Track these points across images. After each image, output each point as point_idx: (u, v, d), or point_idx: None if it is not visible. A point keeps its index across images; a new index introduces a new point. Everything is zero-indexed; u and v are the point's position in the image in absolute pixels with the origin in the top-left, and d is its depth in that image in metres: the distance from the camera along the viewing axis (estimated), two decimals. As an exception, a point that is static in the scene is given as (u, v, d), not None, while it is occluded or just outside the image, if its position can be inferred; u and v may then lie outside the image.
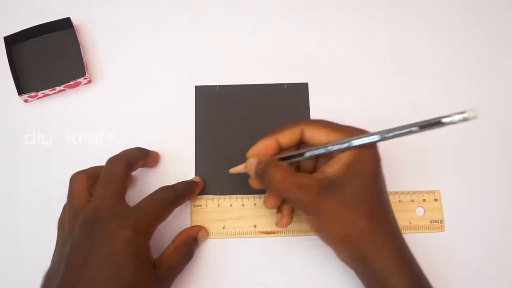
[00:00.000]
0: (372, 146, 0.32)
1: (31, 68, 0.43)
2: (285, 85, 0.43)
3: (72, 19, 0.43)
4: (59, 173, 0.37)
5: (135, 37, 0.45)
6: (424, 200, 0.40)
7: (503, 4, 0.46)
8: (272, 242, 0.39)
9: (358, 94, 0.43)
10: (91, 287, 0.29)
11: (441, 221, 0.39)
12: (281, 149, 0.36)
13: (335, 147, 0.32)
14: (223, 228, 0.39)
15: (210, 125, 0.42)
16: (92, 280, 0.29)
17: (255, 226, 0.39)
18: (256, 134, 0.41)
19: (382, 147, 0.33)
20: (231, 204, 0.40)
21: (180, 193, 0.36)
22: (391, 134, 0.31)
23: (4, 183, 0.40)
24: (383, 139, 0.31)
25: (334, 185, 0.32)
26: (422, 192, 0.40)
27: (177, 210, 0.36)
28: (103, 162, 0.35)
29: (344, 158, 0.32)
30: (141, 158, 0.37)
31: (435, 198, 0.40)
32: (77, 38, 0.43)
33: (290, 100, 0.43)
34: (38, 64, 0.43)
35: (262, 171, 0.34)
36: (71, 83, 0.42)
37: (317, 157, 0.35)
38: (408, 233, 0.39)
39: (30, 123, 0.42)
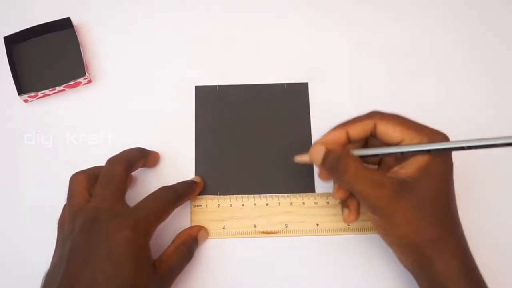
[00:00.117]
0: (448, 154, 0.32)
1: (31, 68, 0.43)
2: (285, 85, 0.43)
3: (72, 19, 0.43)
4: (59, 173, 0.37)
5: (135, 37, 0.45)
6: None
7: (507, 2, 0.46)
8: (272, 242, 0.39)
9: (358, 94, 0.43)
10: (91, 287, 0.29)
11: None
12: (349, 142, 0.34)
13: (412, 150, 0.31)
14: (223, 228, 0.39)
15: (210, 125, 0.42)
16: (92, 280, 0.29)
17: (255, 226, 0.39)
18: (256, 134, 0.42)
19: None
20: (231, 204, 0.40)
21: (180, 193, 0.36)
22: (473, 144, 0.29)
23: (4, 183, 0.40)
24: (462, 148, 0.30)
25: (408, 187, 0.31)
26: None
27: (177, 210, 0.36)
28: (103, 162, 0.35)
29: (420, 160, 0.31)
30: (141, 158, 0.37)
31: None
32: (77, 38, 0.43)
33: (290, 100, 0.43)
34: (38, 64, 0.43)
35: (335, 162, 0.32)
36: (71, 83, 0.42)
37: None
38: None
39: (30, 123, 0.42)
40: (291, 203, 0.40)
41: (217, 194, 0.40)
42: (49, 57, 0.43)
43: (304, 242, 0.39)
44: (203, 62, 0.44)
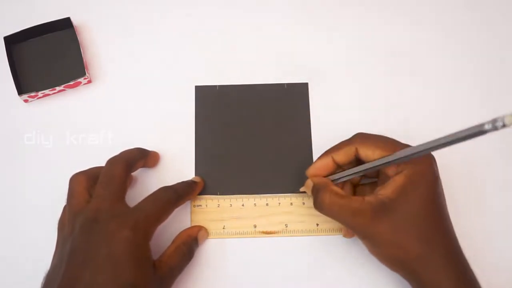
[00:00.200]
0: (428, 167, 0.32)
1: (31, 68, 0.43)
2: (285, 85, 0.43)
3: (72, 19, 0.43)
4: (59, 173, 0.37)
5: (135, 37, 0.45)
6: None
7: (506, 4, 0.46)
8: (272, 242, 0.39)
9: (358, 94, 0.43)
10: (91, 287, 0.29)
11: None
12: (338, 166, 0.36)
13: (372, 166, 0.32)
14: (223, 228, 0.39)
15: (210, 125, 0.42)
16: (92, 281, 0.29)
17: (255, 226, 0.39)
18: (256, 134, 0.42)
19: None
20: (231, 204, 0.40)
21: (180, 193, 0.36)
22: (434, 145, 0.29)
23: (4, 183, 0.40)
24: (426, 150, 0.30)
25: (387, 208, 0.31)
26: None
27: (177, 210, 0.36)
28: (103, 162, 0.35)
29: (398, 180, 0.32)
30: (141, 158, 0.37)
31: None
32: (77, 38, 0.43)
33: (290, 100, 0.43)
34: (38, 64, 0.43)
35: (315, 196, 0.34)
36: (71, 83, 0.42)
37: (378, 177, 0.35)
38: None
39: (30, 123, 0.42)
40: (291, 203, 0.40)
41: (217, 194, 0.40)
42: (49, 57, 0.43)
43: (304, 242, 0.39)
44: (203, 62, 0.44)
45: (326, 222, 0.39)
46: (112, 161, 0.35)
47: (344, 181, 0.36)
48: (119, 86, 0.43)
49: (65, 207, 0.35)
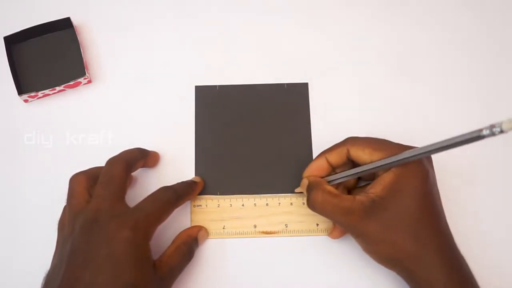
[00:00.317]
0: (417, 164, 0.32)
1: (31, 68, 0.43)
2: (285, 85, 0.43)
3: (72, 19, 0.43)
4: (59, 173, 0.37)
5: (135, 37, 0.45)
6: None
7: (506, 5, 0.46)
8: (272, 242, 0.39)
9: (358, 94, 0.43)
10: (91, 287, 0.29)
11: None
12: (333, 168, 0.37)
13: (366, 168, 0.33)
14: (223, 228, 0.39)
15: (210, 125, 0.42)
16: (93, 281, 0.29)
17: (255, 226, 0.39)
18: (256, 134, 0.42)
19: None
20: (231, 204, 0.40)
21: (180, 193, 0.36)
22: (432, 149, 0.30)
23: (4, 183, 0.40)
24: (423, 154, 0.30)
25: (376, 206, 0.32)
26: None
27: (177, 210, 0.36)
28: (103, 162, 0.35)
29: (386, 178, 0.32)
30: (141, 158, 0.37)
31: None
32: (77, 38, 0.43)
33: (290, 100, 0.43)
34: (38, 64, 0.43)
35: (308, 195, 0.35)
36: (71, 83, 0.42)
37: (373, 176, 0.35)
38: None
39: (30, 123, 0.42)
40: (291, 203, 0.40)
41: (217, 194, 0.40)
42: (49, 57, 0.43)
43: (304, 242, 0.39)
44: (203, 62, 0.44)
45: (326, 222, 0.39)
46: (112, 161, 0.35)
47: (339, 183, 0.37)
48: (119, 86, 0.43)
49: (65, 207, 0.35)
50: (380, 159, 0.33)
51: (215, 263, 0.38)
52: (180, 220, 0.39)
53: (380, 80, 0.43)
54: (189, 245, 0.36)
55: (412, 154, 0.31)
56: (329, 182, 0.36)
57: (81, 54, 0.42)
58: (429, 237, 0.32)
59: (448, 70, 0.44)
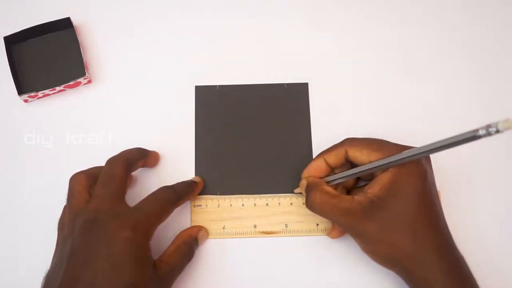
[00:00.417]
0: (415, 164, 0.32)
1: (31, 68, 0.43)
2: (285, 85, 0.43)
3: (72, 19, 0.43)
4: (59, 173, 0.37)
5: (135, 37, 0.45)
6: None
7: (507, 4, 0.46)
8: (272, 242, 0.39)
9: (358, 94, 0.43)
10: (91, 287, 0.29)
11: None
12: (331, 169, 0.37)
13: (364, 169, 0.33)
14: (223, 228, 0.39)
15: (210, 125, 0.42)
16: (93, 281, 0.29)
17: (255, 226, 0.39)
18: (256, 134, 0.42)
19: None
20: (231, 204, 0.40)
21: (180, 193, 0.36)
22: (428, 149, 0.30)
23: (4, 183, 0.40)
24: (420, 154, 0.30)
25: (375, 206, 0.32)
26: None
27: (177, 210, 0.36)
28: (103, 162, 0.35)
29: (384, 178, 0.32)
30: (141, 158, 0.37)
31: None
32: (77, 38, 0.43)
33: (290, 100, 0.43)
34: (38, 64, 0.43)
35: (306, 195, 0.35)
36: (71, 83, 0.42)
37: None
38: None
39: (30, 123, 0.42)
40: (291, 203, 0.40)
41: (217, 194, 0.40)
42: (49, 57, 0.43)
43: (304, 242, 0.39)
44: (203, 62, 0.44)
45: (326, 222, 0.39)
46: (112, 161, 0.35)
47: (338, 184, 0.37)
48: (119, 86, 0.43)
49: (65, 207, 0.35)
50: (378, 160, 0.33)
51: (215, 263, 0.38)
52: (180, 220, 0.39)
53: (380, 80, 0.43)
54: (189, 245, 0.36)
55: (409, 154, 0.31)
56: (328, 182, 0.36)
57: (81, 54, 0.42)
58: (428, 237, 0.32)
59: (448, 70, 0.44)
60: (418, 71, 0.44)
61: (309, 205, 0.35)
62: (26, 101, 0.42)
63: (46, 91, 0.41)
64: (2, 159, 0.41)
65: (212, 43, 0.45)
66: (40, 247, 0.36)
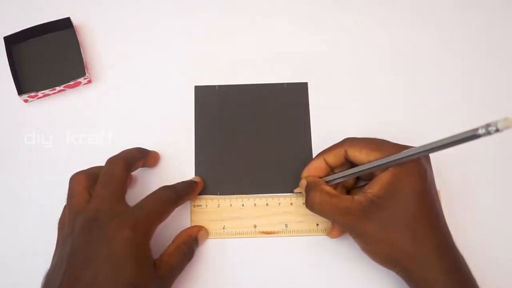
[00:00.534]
0: (415, 163, 0.32)
1: (31, 68, 0.43)
2: (285, 85, 0.43)
3: (72, 19, 0.43)
4: (59, 173, 0.37)
5: (135, 37, 0.45)
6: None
7: (503, 5, 0.46)
8: (272, 242, 0.39)
9: (358, 94, 0.43)
10: (91, 287, 0.29)
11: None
12: (331, 168, 0.37)
13: (364, 168, 0.33)
14: (223, 228, 0.39)
15: (210, 125, 0.42)
16: (93, 281, 0.29)
17: (255, 226, 0.39)
18: (256, 134, 0.42)
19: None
20: (231, 204, 0.40)
21: (180, 193, 0.36)
22: (428, 149, 0.30)
23: (4, 183, 0.40)
24: (420, 154, 0.30)
25: (375, 206, 0.32)
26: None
27: (177, 210, 0.36)
28: (103, 162, 0.35)
29: (384, 178, 0.32)
30: (141, 158, 0.37)
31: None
32: (77, 38, 0.43)
33: (290, 100, 0.43)
34: (38, 64, 0.43)
35: (306, 195, 0.35)
36: (71, 83, 0.42)
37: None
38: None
39: (30, 123, 0.42)
40: (291, 203, 0.40)
41: (217, 194, 0.40)
42: (49, 57, 0.43)
43: (304, 242, 0.39)
44: (203, 62, 0.44)
45: (326, 222, 0.39)
46: (112, 161, 0.35)
47: (337, 183, 0.37)
48: (119, 86, 0.43)
49: (65, 206, 0.35)
50: (377, 159, 0.33)
51: (215, 263, 0.38)
52: (180, 220, 0.39)
53: (380, 80, 0.43)
54: (189, 244, 0.36)
55: (409, 154, 0.31)
56: (327, 182, 0.36)
57: (81, 54, 0.42)
58: (428, 237, 0.32)
59: (446, 70, 0.44)
60: (417, 71, 0.44)
61: (309, 205, 0.35)
62: (26, 101, 0.42)
63: (46, 91, 0.41)
64: (2, 159, 0.41)
65: (212, 43, 0.45)
66: (40, 247, 0.36)
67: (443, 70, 0.44)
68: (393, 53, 0.44)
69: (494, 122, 0.24)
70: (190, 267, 0.37)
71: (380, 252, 0.33)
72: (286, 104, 0.43)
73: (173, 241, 0.36)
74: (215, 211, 0.39)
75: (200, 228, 0.38)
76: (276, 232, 0.39)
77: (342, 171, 0.36)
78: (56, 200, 0.36)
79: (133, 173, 0.38)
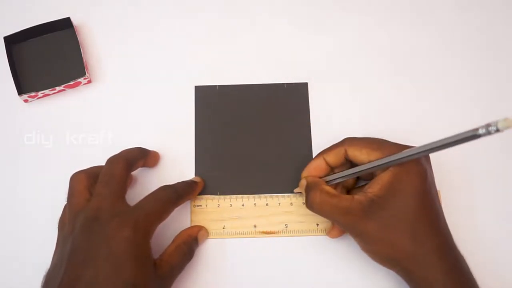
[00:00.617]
0: (415, 163, 0.32)
1: (31, 68, 0.43)
2: (285, 85, 0.43)
3: (72, 19, 0.43)
4: (59, 173, 0.37)
5: (135, 37, 0.45)
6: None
7: (503, 5, 0.46)
8: (272, 242, 0.39)
9: (358, 94, 0.43)
10: (91, 287, 0.29)
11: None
12: (331, 168, 0.37)
13: (364, 168, 0.33)
14: (223, 228, 0.39)
15: (210, 125, 0.42)
16: (93, 280, 0.29)
17: (255, 226, 0.39)
18: (256, 134, 0.42)
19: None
20: (231, 204, 0.40)
21: (180, 193, 0.36)
22: (428, 149, 0.30)
23: (4, 183, 0.40)
24: (420, 154, 0.30)
25: (375, 206, 0.32)
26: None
27: (177, 210, 0.36)
28: (103, 162, 0.35)
29: (384, 177, 0.32)
30: (141, 157, 0.37)
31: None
32: (77, 38, 0.43)
33: (290, 100, 0.43)
34: (38, 64, 0.43)
35: (306, 195, 0.35)
36: (71, 83, 0.42)
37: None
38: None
39: (30, 123, 0.42)
40: (291, 203, 0.40)
41: (217, 194, 0.40)
42: (49, 57, 0.43)
43: (304, 242, 0.39)
44: (203, 62, 0.44)
45: (326, 222, 0.39)
46: (112, 160, 0.35)
47: (337, 183, 0.37)
48: (119, 86, 0.43)
49: (65, 206, 0.35)
50: (377, 159, 0.33)
51: (215, 263, 0.38)
52: (180, 220, 0.39)
53: (380, 80, 0.43)
54: (189, 244, 0.36)
55: (409, 154, 0.31)
56: (327, 182, 0.36)
57: (81, 54, 0.42)
58: (428, 237, 0.32)
59: (446, 71, 0.44)
60: (417, 71, 0.44)
61: (309, 204, 0.35)
62: (26, 101, 0.42)
63: (46, 91, 0.41)
64: (2, 159, 0.41)
65: (212, 43, 0.45)
66: (40, 247, 0.36)
67: (443, 70, 0.44)
68: (393, 53, 0.44)
69: (494, 122, 0.24)
70: (190, 267, 0.37)
71: (380, 251, 0.33)
72: (286, 104, 0.43)
73: (173, 241, 0.36)
74: (215, 211, 0.39)
75: (200, 228, 0.38)
76: (276, 232, 0.39)
77: (342, 171, 0.36)
78: (56, 200, 0.36)
79: (133, 173, 0.38)
